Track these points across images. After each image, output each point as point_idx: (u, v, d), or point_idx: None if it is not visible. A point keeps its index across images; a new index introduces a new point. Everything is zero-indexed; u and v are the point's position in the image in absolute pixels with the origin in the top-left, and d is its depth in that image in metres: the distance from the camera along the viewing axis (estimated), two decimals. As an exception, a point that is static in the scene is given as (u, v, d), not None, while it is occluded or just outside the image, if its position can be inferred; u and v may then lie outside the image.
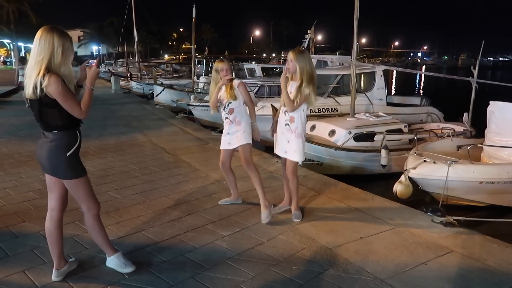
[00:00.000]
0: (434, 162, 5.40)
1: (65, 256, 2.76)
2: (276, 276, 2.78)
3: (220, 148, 3.96)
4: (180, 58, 50.64)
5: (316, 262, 2.97)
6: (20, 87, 12.33)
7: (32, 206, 4.03)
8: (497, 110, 6.16)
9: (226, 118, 3.84)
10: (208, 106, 12.70)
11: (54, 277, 2.67)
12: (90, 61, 2.70)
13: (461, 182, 5.35)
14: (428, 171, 5.37)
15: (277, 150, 3.81)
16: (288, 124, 3.61)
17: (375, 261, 2.99)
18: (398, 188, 5.38)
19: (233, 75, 3.82)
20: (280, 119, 3.71)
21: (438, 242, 3.31)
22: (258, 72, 17.17)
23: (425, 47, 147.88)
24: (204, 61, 23.00)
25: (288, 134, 3.64)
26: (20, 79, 11.44)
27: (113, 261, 2.80)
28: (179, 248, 3.18)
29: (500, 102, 6.20)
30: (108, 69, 32.59)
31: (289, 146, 3.65)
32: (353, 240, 3.32)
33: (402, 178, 5.42)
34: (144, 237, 3.36)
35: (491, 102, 6.29)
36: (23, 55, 22.07)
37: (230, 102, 3.74)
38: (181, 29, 78.82)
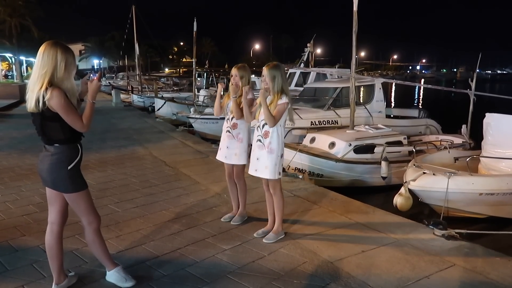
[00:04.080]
0: (433, 174, 5.40)
1: (64, 270, 2.74)
2: (277, 291, 2.76)
3: (216, 158, 3.99)
4: (181, 72, 51.01)
5: (318, 276, 2.94)
6: None
7: (32, 219, 4.02)
8: (493, 122, 6.21)
9: (228, 131, 3.82)
10: (208, 118, 12.75)
11: (53, 291, 2.64)
12: (91, 75, 2.72)
13: (461, 194, 5.34)
14: (428, 183, 5.36)
15: (249, 170, 3.56)
16: (261, 140, 3.40)
17: (377, 275, 2.97)
18: (398, 200, 5.37)
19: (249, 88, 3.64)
20: (253, 135, 3.52)
21: (440, 255, 3.28)
22: (259, 85, 17.29)
23: (424, 60, 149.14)
24: (205, 74, 23.18)
25: (259, 151, 3.43)
26: None
27: (113, 275, 2.78)
28: (179, 262, 3.15)
29: (496, 114, 6.25)
30: (109, 83, 32.82)
31: (259, 164, 3.43)
32: (355, 254, 3.30)
33: (402, 190, 5.41)
34: (144, 251, 3.34)
35: (487, 114, 6.34)
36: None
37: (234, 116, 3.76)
38: (182, 43, 79.67)
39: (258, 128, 3.45)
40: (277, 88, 3.34)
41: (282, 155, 3.46)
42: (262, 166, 3.42)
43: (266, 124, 3.37)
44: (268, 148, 3.39)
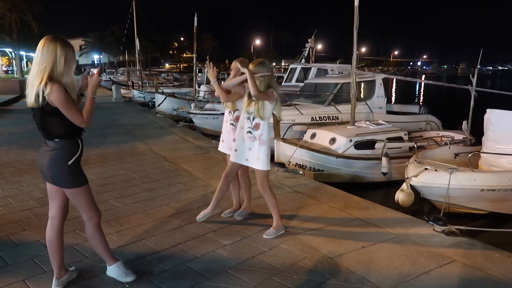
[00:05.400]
0: (435, 170, 5.40)
1: (65, 265, 2.75)
2: (277, 286, 2.76)
3: (219, 149, 3.99)
4: (181, 67, 50.95)
5: (318, 272, 2.95)
6: None
7: (33, 214, 4.02)
8: (494, 117, 6.20)
9: (232, 124, 3.81)
10: (208, 114, 12.72)
11: (54, 286, 2.64)
12: (91, 69, 2.71)
13: (462, 190, 5.34)
14: (430, 179, 5.36)
15: (236, 158, 3.56)
16: (251, 132, 3.43)
17: (377, 270, 2.97)
18: (400, 196, 5.37)
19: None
20: (243, 125, 3.52)
21: (440, 251, 3.29)
22: None
23: (425, 56, 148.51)
24: (205, 70, 23.13)
25: (250, 141, 3.46)
26: None
27: (114, 270, 2.79)
28: (179, 257, 3.16)
29: (496, 110, 6.25)
30: (109, 78, 32.80)
31: (251, 153, 3.46)
32: (355, 249, 3.30)
33: (404, 186, 5.41)
34: (144, 246, 3.34)
35: (488, 110, 6.33)
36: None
37: (237, 109, 3.74)
38: (182, 38, 79.38)
39: (248, 120, 3.46)
40: (264, 84, 3.39)
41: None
42: (254, 157, 3.46)
43: (256, 117, 3.40)
44: (259, 140, 3.43)
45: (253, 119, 3.43)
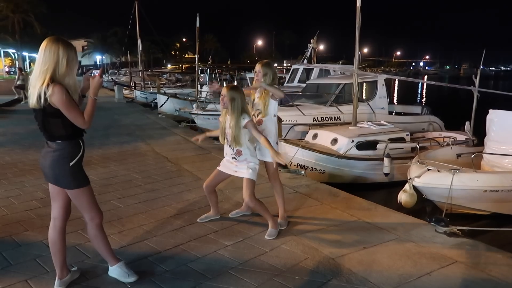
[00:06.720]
0: (438, 171, 5.38)
1: (67, 265, 2.76)
2: (279, 287, 2.76)
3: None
4: (183, 68, 51.03)
5: (319, 273, 2.95)
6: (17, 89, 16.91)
7: (35, 215, 4.04)
8: (496, 118, 6.20)
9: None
10: (210, 115, 12.71)
11: (56, 286, 2.66)
12: (93, 71, 2.71)
13: (465, 191, 5.33)
14: (433, 179, 5.35)
15: (226, 169, 3.61)
16: (236, 158, 3.50)
17: (379, 271, 2.97)
18: (402, 197, 5.36)
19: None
20: (226, 151, 3.60)
21: (441, 252, 3.28)
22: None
23: (427, 57, 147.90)
24: (207, 70, 23.15)
25: (236, 163, 3.53)
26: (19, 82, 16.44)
27: (116, 271, 2.79)
28: (181, 257, 3.17)
29: (499, 111, 6.24)
30: (112, 78, 32.88)
31: (238, 168, 3.52)
32: (356, 250, 3.30)
33: (407, 186, 5.40)
34: (146, 247, 3.35)
35: (490, 111, 6.33)
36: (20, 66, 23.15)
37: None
38: (184, 39, 79.44)
39: (230, 146, 3.51)
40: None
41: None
42: (243, 168, 3.50)
43: (232, 145, 3.46)
44: (245, 161, 3.50)
45: (235, 147, 3.47)
